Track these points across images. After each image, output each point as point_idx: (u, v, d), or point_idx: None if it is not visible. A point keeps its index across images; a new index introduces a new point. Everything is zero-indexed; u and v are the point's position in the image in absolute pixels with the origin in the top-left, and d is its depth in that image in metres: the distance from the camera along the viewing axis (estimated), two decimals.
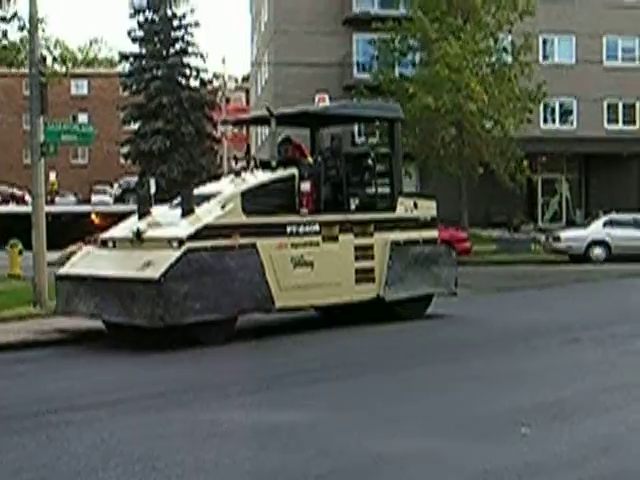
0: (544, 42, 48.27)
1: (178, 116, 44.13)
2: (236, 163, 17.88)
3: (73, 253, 23.61)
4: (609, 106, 49.11)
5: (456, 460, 7.69)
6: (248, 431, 8.91)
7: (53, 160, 42.28)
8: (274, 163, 16.47)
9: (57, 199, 58.13)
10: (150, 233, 14.94)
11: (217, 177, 46.79)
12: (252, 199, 15.22)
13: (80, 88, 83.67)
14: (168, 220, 15.30)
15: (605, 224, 33.91)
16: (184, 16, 45.70)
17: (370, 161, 17.81)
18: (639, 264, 31.24)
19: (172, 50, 45.63)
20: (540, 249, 36.77)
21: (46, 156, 18.92)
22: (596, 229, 33.95)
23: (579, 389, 10.88)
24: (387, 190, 17.43)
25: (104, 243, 15.93)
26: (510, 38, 37.09)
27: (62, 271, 15.98)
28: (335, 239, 16.16)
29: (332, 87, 43.97)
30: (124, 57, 47.26)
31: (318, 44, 44.43)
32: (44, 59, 18.85)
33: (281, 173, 16.06)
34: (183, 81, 45.74)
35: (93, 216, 37.48)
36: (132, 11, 45.63)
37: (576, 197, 50.87)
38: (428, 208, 17.95)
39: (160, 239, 14.69)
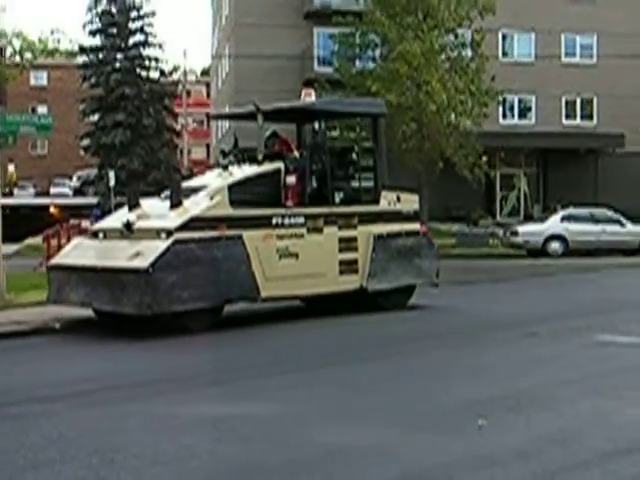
0: (504, 38, 48.53)
1: (139, 109, 43.84)
2: (224, 157, 18.02)
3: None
4: (567, 102, 49.48)
5: (411, 453, 7.72)
6: (208, 423, 8.88)
7: (12, 151, 41.94)
8: (260, 157, 16.71)
9: (16, 191, 57.58)
10: (140, 224, 15.26)
11: (177, 170, 46.97)
12: (239, 192, 15.64)
13: (39, 79, 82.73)
14: (157, 212, 15.68)
15: (562, 219, 34.16)
16: (142, 6, 45.30)
17: (354, 155, 18.39)
18: (596, 258, 31.56)
19: (131, 41, 45.24)
20: (498, 243, 37.01)
21: (3, 147, 18.79)
22: (553, 224, 34.18)
23: (536, 382, 10.94)
24: (371, 184, 17.82)
25: (95, 234, 16.43)
26: (470, 34, 37.20)
27: (54, 261, 16.60)
28: (320, 231, 16.58)
29: (293, 81, 44.01)
30: (83, 49, 46.77)
31: (279, 37, 44.37)
32: (1, 50, 18.66)
33: (267, 167, 16.45)
34: (143, 73, 45.34)
35: (52, 209, 37.17)
36: (90, 2, 45.19)
37: (534, 192, 51.21)
38: (411, 202, 18.43)
39: (149, 230, 15.04)
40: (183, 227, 14.67)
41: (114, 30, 44.97)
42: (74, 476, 7.13)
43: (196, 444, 8.17)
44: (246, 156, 17.58)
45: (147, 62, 45.65)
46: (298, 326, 16.18)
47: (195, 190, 16.00)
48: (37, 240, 29.71)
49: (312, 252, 16.34)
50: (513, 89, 45.49)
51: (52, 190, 60.09)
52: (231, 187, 15.69)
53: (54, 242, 27.22)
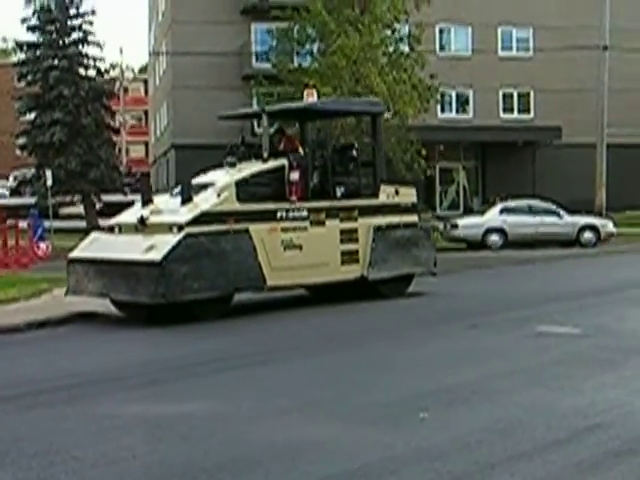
0: (440, 32, 48.80)
1: (77, 107, 43.25)
2: (231, 154, 18.80)
3: None
4: (504, 95, 49.92)
5: (354, 447, 7.74)
6: (150, 423, 8.82)
7: None
8: (266, 154, 17.64)
9: None
10: (153, 219, 16.34)
11: (116, 168, 46.63)
12: (245, 188, 16.74)
13: None
14: (169, 207, 16.74)
15: (501, 211, 34.44)
16: (81, 2, 44.74)
17: (354, 152, 19.15)
18: (534, 250, 31.88)
19: (69, 39, 44.66)
20: (438, 237, 37.20)
21: None
22: (492, 216, 34.45)
23: (477, 374, 11.03)
24: (370, 178, 18.90)
25: (111, 229, 17.65)
26: (407, 28, 37.31)
27: (73, 255, 17.34)
28: (322, 224, 17.65)
29: (231, 77, 43.95)
30: (19, 46, 46.09)
31: (216, 33, 44.17)
32: None
33: (272, 164, 17.46)
34: (82, 71, 44.77)
35: None
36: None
37: (473, 185, 51.62)
38: (409, 195, 19.56)
39: (162, 224, 16.13)
40: (194, 222, 15.68)
41: (52, 27, 44.29)
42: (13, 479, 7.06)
43: (137, 444, 8.11)
44: (251, 153, 18.66)
45: (86, 60, 45.02)
46: (292, 315, 17.18)
47: (204, 186, 17.00)
48: None
49: (315, 243, 17.39)
50: (451, 83, 45.76)
51: None
52: (238, 183, 16.69)
53: None
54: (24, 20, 44.77)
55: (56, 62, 43.88)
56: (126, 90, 75.95)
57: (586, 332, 13.83)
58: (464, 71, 47.49)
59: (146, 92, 79.08)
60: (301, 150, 18.66)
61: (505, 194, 38.91)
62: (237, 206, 16.47)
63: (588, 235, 34.13)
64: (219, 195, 16.43)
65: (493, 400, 9.45)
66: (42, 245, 31.88)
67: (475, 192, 51.16)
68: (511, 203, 35.32)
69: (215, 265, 15.84)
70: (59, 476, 7.09)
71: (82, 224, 42.19)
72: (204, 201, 16.31)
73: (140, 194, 17.91)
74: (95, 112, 44.04)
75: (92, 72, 45.19)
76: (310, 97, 19.90)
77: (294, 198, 17.17)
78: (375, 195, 18.72)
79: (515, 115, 49.92)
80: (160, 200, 17.60)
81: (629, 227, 39.18)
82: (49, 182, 37.16)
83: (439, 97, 41.11)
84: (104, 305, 17.23)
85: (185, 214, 15.95)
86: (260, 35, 45.22)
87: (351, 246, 18.11)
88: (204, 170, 18.87)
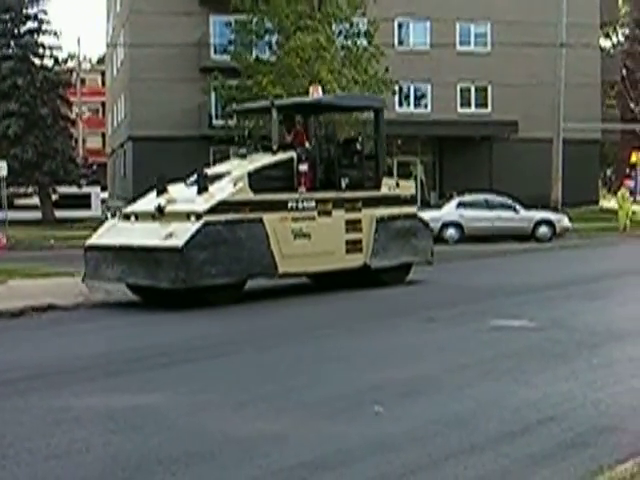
0: (399, 27, 48.89)
1: (32, 97, 42.83)
2: (240, 147, 20.55)
3: None
4: (462, 90, 50.13)
5: (309, 440, 7.76)
6: (103, 415, 8.77)
7: None
8: (275, 147, 18.48)
9: None
10: (170, 208, 16.88)
11: (73, 159, 46.23)
12: (258, 178, 17.43)
13: None
14: (185, 197, 17.31)
15: (458, 205, 34.57)
16: None
17: (358, 145, 20.01)
18: (490, 244, 32.05)
19: (24, 28, 44.19)
20: None
21: None
22: (449, 210, 34.58)
23: (432, 366, 11.09)
24: (373, 171, 19.65)
25: (127, 217, 18.09)
26: (365, 22, 37.32)
27: (90, 242, 17.92)
28: (329, 214, 18.41)
29: (189, 69, 43.76)
30: None
31: (175, 25, 43.93)
32: None
33: (281, 156, 18.23)
34: (37, 61, 44.34)
35: None
36: None
37: (430, 179, 51.81)
38: (408, 187, 20.64)
39: (180, 213, 16.73)
40: (212, 210, 16.34)
41: (6, 16, 43.81)
42: None
43: (91, 437, 8.06)
44: (259, 146, 19.86)
45: (41, 50, 44.61)
46: (283, 303, 17.66)
47: (218, 177, 17.77)
48: None
49: (322, 233, 18.14)
50: (409, 77, 45.89)
51: None
52: (251, 174, 17.40)
53: None
54: None
55: (10, 51, 43.41)
56: (83, 81, 75.40)
57: (541, 326, 13.94)
58: (422, 65, 47.63)
59: (103, 83, 78.49)
60: (307, 143, 19.29)
61: (462, 188, 39.08)
62: (251, 196, 17.13)
63: (544, 230, 34.38)
64: (235, 185, 17.18)
65: (447, 393, 9.51)
66: None
67: (432, 186, 51.35)
68: (468, 197, 35.45)
69: (231, 252, 16.51)
70: (11, 468, 7.05)
71: (38, 215, 41.85)
72: (220, 191, 17.00)
73: (156, 184, 18.21)
74: (51, 103, 43.71)
75: (48, 62, 44.84)
76: (316, 93, 20.55)
77: (303, 189, 17.91)
78: (377, 187, 19.47)
79: (472, 110, 50.16)
80: (174, 190, 18.00)
81: (584, 222, 39.51)
82: (4, 173, 36.91)
83: (397, 91, 41.16)
84: (63, 297, 17.18)
85: (203, 203, 16.58)
86: (219, 27, 45.03)
87: (355, 235, 18.82)
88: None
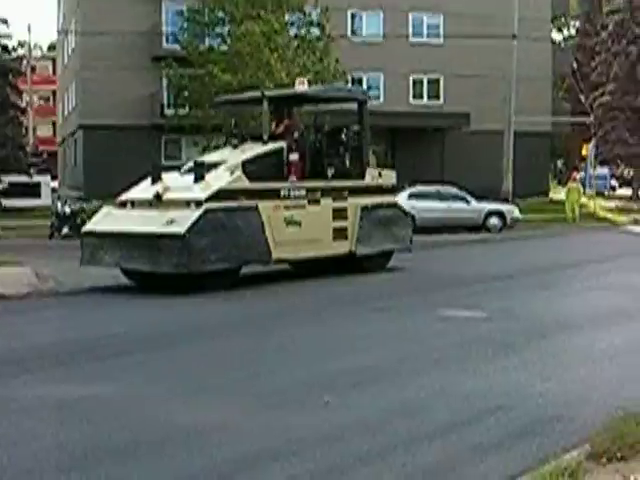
0: (352, 17, 48.89)
1: None
2: (232, 136, 20.53)
3: None
4: (414, 81, 50.26)
5: (259, 430, 7.78)
6: (51, 406, 8.70)
7: None
8: (266, 137, 18.88)
9: None
10: (168, 195, 17.26)
11: (22, 147, 45.78)
12: (252, 167, 17.83)
13: None
14: (180, 185, 17.75)
15: (410, 196, 34.58)
16: None
17: (343, 136, 20.34)
18: (442, 235, 32.18)
19: None
20: None
21: None
22: (401, 201, 34.60)
23: (382, 356, 11.15)
24: (357, 161, 20.11)
25: (123, 204, 18.25)
26: (318, 12, 37.29)
27: (87, 228, 18.37)
28: (317, 202, 18.88)
29: (141, 57, 43.44)
30: None
31: (126, 12, 43.54)
32: None
33: (272, 146, 18.65)
34: None
35: None
36: None
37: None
38: (389, 177, 21.16)
39: (179, 201, 17.13)
40: (212, 198, 16.74)
41: None
42: None
43: (39, 427, 8.01)
44: (248, 136, 20.20)
45: None
46: (267, 289, 18.10)
47: (212, 166, 18.02)
48: None
49: (311, 220, 18.55)
50: (362, 68, 45.93)
51: None
52: (245, 163, 17.80)
53: None
54: None
55: None
56: (34, 69, 74.56)
57: (491, 315, 14.05)
58: (375, 56, 47.62)
59: (54, 71, 77.68)
60: (296, 134, 19.70)
61: (414, 179, 39.18)
62: (247, 184, 17.53)
63: (494, 220, 34.60)
64: (232, 173, 17.55)
65: (397, 382, 9.56)
66: None
67: None
68: (419, 188, 35.43)
69: (229, 239, 16.94)
70: None
71: None
72: (217, 179, 17.39)
73: (151, 172, 18.57)
74: (0, 90, 43.17)
75: None
76: (301, 85, 20.97)
77: (294, 178, 18.38)
78: (362, 177, 20.00)
79: (425, 101, 50.34)
80: (169, 178, 18.41)
81: (534, 213, 39.86)
82: None
83: (349, 81, 41.21)
84: (12, 287, 17.03)
85: (202, 191, 16.97)
86: (171, 16, 44.77)
87: (341, 223, 19.32)
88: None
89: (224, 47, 36.65)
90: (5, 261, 21.24)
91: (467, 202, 34.74)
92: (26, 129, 57.67)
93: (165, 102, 44.26)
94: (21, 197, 42.40)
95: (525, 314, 14.47)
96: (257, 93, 21.74)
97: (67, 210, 31.57)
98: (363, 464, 6.84)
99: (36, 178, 44.71)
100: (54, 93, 77.60)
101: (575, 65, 60.68)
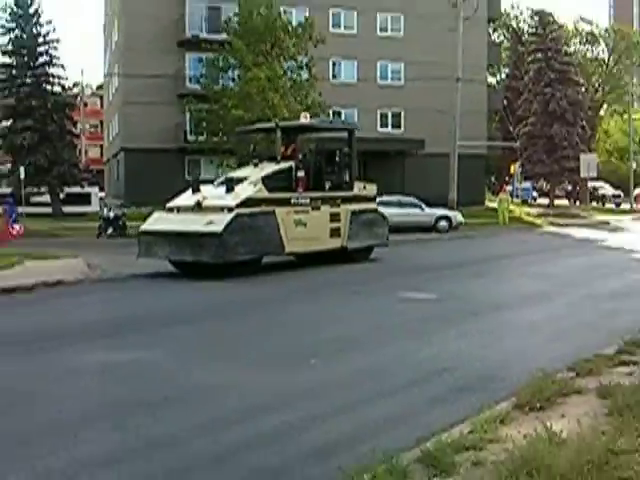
0: (333, 64, 48.77)
1: (44, 116, 42.00)
2: (253, 158, 20.68)
3: None
4: (381, 115, 50.20)
5: (258, 387, 7.79)
6: (97, 368, 8.67)
7: None
8: (279, 158, 19.28)
9: None
10: (206, 203, 17.57)
11: (76, 165, 45.59)
12: (269, 181, 18.10)
13: None
14: (215, 195, 17.98)
15: (377, 204, 34.46)
16: (47, 34, 43.52)
17: (337, 157, 20.58)
18: (402, 234, 32.16)
19: (38, 62, 43.45)
20: None
21: None
22: None
23: (358, 328, 11.19)
24: (347, 176, 20.44)
25: (170, 210, 18.51)
26: (306, 60, 37.23)
27: (143, 228, 18.45)
28: (318, 208, 19.13)
29: (169, 95, 43.29)
30: None
31: (157, 60, 43.39)
32: None
33: (284, 165, 18.92)
34: (48, 87, 43.57)
35: None
36: (4, 30, 43.21)
37: None
38: (372, 189, 21.13)
39: (215, 207, 17.38)
40: (240, 205, 17.10)
41: (24, 52, 43.07)
42: None
43: (85, 385, 8.01)
44: (267, 158, 20.13)
45: (51, 79, 43.78)
46: (275, 275, 18.03)
47: (239, 180, 18.30)
48: None
49: (314, 222, 18.85)
50: (340, 104, 45.91)
51: None
52: (264, 178, 18.08)
53: None
54: (0, 46, 43.50)
55: (27, 80, 42.76)
56: (86, 104, 74.17)
57: (440, 297, 14.10)
58: (350, 95, 47.58)
59: (102, 105, 77.30)
60: (300, 155, 19.89)
61: (381, 192, 39.05)
62: (266, 194, 17.81)
63: (443, 223, 34.59)
64: (255, 186, 17.78)
65: (367, 350, 9.59)
66: (16, 226, 31.03)
67: None
68: (385, 198, 35.17)
69: (253, 236, 17.21)
70: (16, 411, 7.00)
71: (48, 210, 41.25)
72: (244, 190, 17.62)
73: (192, 186, 18.86)
74: (59, 121, 42.96)
75: (57, 88, 44.02)
76: (305, 118, 21.59)
77: (301, 189, 18.61)
78: (351, 188, 20.19)
79: (389, 130, 50.24)
80: (205, 189, 18.55)
81: (473, 218, 39.83)
82: (22, 176, 36.72)
83: (330, 114, 41.19)
84: (70, 274, 16.99)
85: (233, 199, 17.28)
86: (193, 62, 44.52)
87: (336, 224, 19.54)
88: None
89: (236, 87, 36.50)
90: (64, 254, 21.22)
91: (422, 209, 34.74)
92: (79, 151, 57.45)
93: (188, 130, 44.09)
94: (76, 205, 42.16)
95: (467, 296, 14.52)
96: (272, 124, 22.22)
97: (111, 215, 31.45)
98: (340, 413, 6.87)
99: (87, 189, 44.42)
100: (101, 122, 77.13)
101: (505, 102, 60.75)
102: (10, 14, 43.50)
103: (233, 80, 37.49)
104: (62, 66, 44.24)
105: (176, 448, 5.94)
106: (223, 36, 38.78)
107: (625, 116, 67.16)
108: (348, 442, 6.01)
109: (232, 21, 37.99)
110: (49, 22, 44.51)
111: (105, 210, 32.83)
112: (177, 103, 43.27)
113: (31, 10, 43.67)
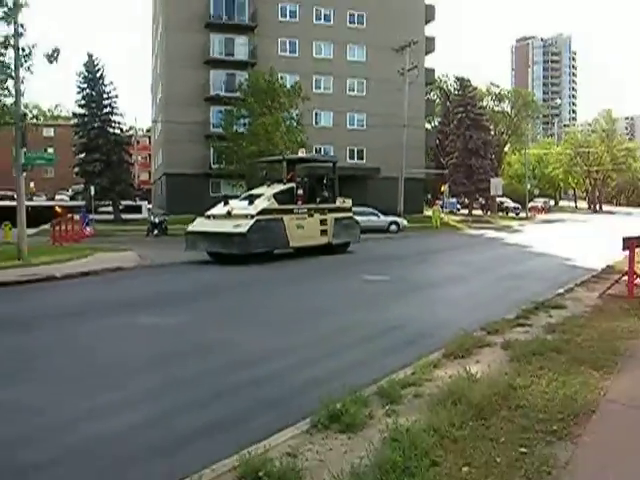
0: (316, 114, 48.59)
1: (108, 150, 41.75)
2: (266, 181, 20.83)
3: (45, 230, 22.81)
4: (350, 150, 50.10)
5: (256, 344, 7.72)
6: (140, 329, 8.59)
7: (32, 174, 39.35)
8: (285, 181, 19.38)
9: (34, 198, 54.56)
10: (234, 212, 17.59)
11: (131, 185, 45.47)
12: (279, 197, 18.24)
13: (49, 132, 79.47)
14: (240, 206, 17.99)
15: None
16: (110, 92, 43.35)
17: (325, 180, 20.68)
18: (364, 235, 32.16)
19: (103, 112, 43.17)
20: None
21: (26, 171, 18.05)
22: None
23: (333, 301, 11.09)
24: (332, 193, 20.42)
25: (207, 217, 18.39)
26: (297, 112, 37.19)
27: (189, 229, 18.38)
28: (312, 216, 19.19)
29: (198, 135, 43.06)
30: (75, 115, 44.63)
31: (190, 111, 43.09)
32: (25, 115, 17.86)
33: (288, 185, 19.00)
34: (110, 130, 43.27)
35: (56, 208, 35.19)
36: (78, 89, 43.12)
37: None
38: (349, 203, 21.01)
39: (241, 215, 17.33)
40: (259, 213, 17.27)
41: (93, 105, 42.82)
42: (57, 369, 6.77)
43: (137, 341, 7.92)
44: (276, 180, 20.09)
45: (113, 124, 43.49)
46: (279, 263, 17.58)
47: (257, 196, 18.45)
48: (47, 227, 27.98)
49: (309, 226, 18.99)
50: (320, 142, 45.86)
51: (56, 197, 57.59)
52: (275, 195, 18.25)
53: (57, 228, 25.75)
54: (77, 101, 43.51)
55: (95, 125, 42.60)
56: (138, 141, 73.65)
57: (391, 279, 14.06)
58: (328, 136, 47.47)
59: (150, 142, 76.78)
60: (298, 179, 19.73)
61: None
62: (276, 206, 17.96)
63: (393, 227, 34.59)
64: (268, 200, 17.94)
65: (337, 316, 9.56)
66: (88, 229, 30.78)
67: None
68: (354, 209, 35.16)
69: (268, 235, 17.37)
70: (80, 362, 6.91)
71: (111, 217, 41.05)
72: (261, 203, 17.79)
73: (223, 200, 18.91)
74: (119, 153, 42.73)
75: (117, 130, 43.79)
76: (301, 152, 21.94)
77: (300, 203, 18.78)
78: (334, 202, 20.25)
79: (355, 161, 50.11)
80: (233, 202, 18.59)
81: (414, 223, 39.85)
82: (92, 193, 36.60)
83: (313, 150, 41.12)
84: (127, 262, 16.82)
85: (253, 209, 17.39)
86: (215, 113, 44.17)
87: (324, 227, 19.61)
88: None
89: (246, 131, 36.37)
90: (122, 248, 21.04)
91: (378, 216, 34.73)
92: (133, 175, 56.89)
93: (211, 161, 43.84)
94: (130, 213, 41.87)
95: (410, 277, 14.51)
96: (279, 157, 22.46)
97: (156, 220, 31.20)
98: (319, 361, 6.85)
99: (139, 203, 44.13)
100: (149, 155, 76.68)
101: (437, 141, 60.93)
102: (83, 77, 43.47)
103: (244, 125, 37.34)
104: (121, 114, 44.26)
105: (196, 386, 5.89)
106: (237, 94, 38.64)
107: (522, 152, 67.71)
108: (325, 380, 5.99)
109: (244, 84, 38.01)
110: (111, 83, 44.60)
111: (152, 217, 32.55)
112: (204, 142, 43.07)
113: (98, 75, 43.61)
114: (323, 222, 19.72)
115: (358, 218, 34.83)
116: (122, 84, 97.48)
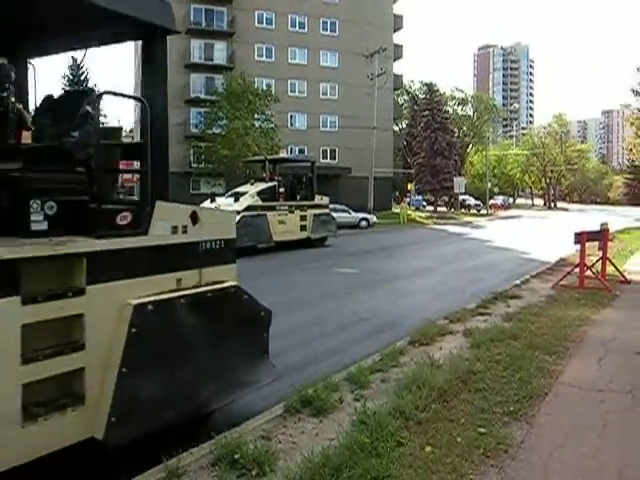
0: (291, 117, 48.47)
1: None
2: (250, 179, 20.62)
3: None
4: (323, 150, 50.06)
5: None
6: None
7: None
8: (267, 179, 19.34)
9: None
10: (221, 209, 16.83)
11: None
12: (262, 194, 18.16)
13: None
14: (226, 203, 17.61)
15: None
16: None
17: (304, 179, 20.54)
18: (338, 230, 32.26)
19: None
20: None
21: None
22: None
23: (308, 292, 11.06)
24: (310, 191, 20.30)
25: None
26: (269, 114, 37.02)
27: None
28: (293, 212, 19.16)
29: (179, 136, 42.62)
30: None
31: (171, 113, 42.01)
32: None
33: (270, 184, 18.89)
34: None
35: None
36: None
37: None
38: (326, 200, 21.08)
39: (228, 211, 16.89)
40: (244, 210, 17.19)
41: None
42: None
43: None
44: (258, 179, 20.04)
45: None
46: (264, 256, 17.64)
47: (242, 193, 18.36)
48: None
49: (290, 221, 18.96)
50: (295, 143, 45.76)
51: None
52: (258, 192, 18.18)
53: None
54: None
55: None
56: None
57: (362, 271, 14.11)
58: (303, 138, 47.33)
59: None
60: (279, 177, 19.68)
61: None
62: (260, 203, 17.93)
63: (364, 222, 34.63)
64: (253, 198, 17.90)
65: (313, 306, 9.56)
66: None
67: None
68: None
69: (252, 230, 17.28)
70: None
71: None
72: (245, 200, 17.76)
73: (210, 198, 18.50)
74: None
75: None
76: (282, 153, 21.83)
77: (281, 200, 18.73)
78: (313, 199, 20.17)
79: (328, 160, 50.08)
80: (219, 200, 18.35)
81: (384, 219, 40.05)
82: None
83: (289, 151, 41.01)
84: None
85: (239, 206, 17.26)
86: (195, 115, 43.83)
87: (304, 222, 19.58)
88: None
89: (222, 133, 36.09)
90: None
91: (350, 213, 34.76)
92: None
93: (191, 160, 43.46)
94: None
95: (379, 270, 14.55)
96: (262, 157, 22.42)
97: None
98: (295, 348, 6.85)
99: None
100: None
101: (405, 143, 61.25)
102: (68, 80, 42.68)
103: (221, 127, 37.08)
104: (104, 115, 43.29)
105: None
106: (214, 97, 38.32)
107: (484, 153, 68.49)
108: (299, 367, 6.00)
109: (219, 88, 37.74)
110: (95, 85, 43.74)
111: None
112: (184, 142, 42.64)
113: (82, 77, 42.91)
114: (303, 218, 19.78)
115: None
116: (106, 86, 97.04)
